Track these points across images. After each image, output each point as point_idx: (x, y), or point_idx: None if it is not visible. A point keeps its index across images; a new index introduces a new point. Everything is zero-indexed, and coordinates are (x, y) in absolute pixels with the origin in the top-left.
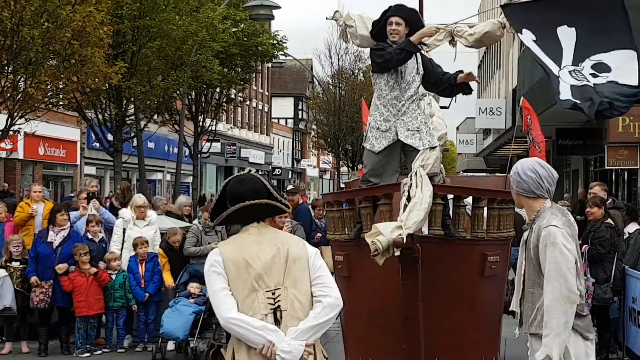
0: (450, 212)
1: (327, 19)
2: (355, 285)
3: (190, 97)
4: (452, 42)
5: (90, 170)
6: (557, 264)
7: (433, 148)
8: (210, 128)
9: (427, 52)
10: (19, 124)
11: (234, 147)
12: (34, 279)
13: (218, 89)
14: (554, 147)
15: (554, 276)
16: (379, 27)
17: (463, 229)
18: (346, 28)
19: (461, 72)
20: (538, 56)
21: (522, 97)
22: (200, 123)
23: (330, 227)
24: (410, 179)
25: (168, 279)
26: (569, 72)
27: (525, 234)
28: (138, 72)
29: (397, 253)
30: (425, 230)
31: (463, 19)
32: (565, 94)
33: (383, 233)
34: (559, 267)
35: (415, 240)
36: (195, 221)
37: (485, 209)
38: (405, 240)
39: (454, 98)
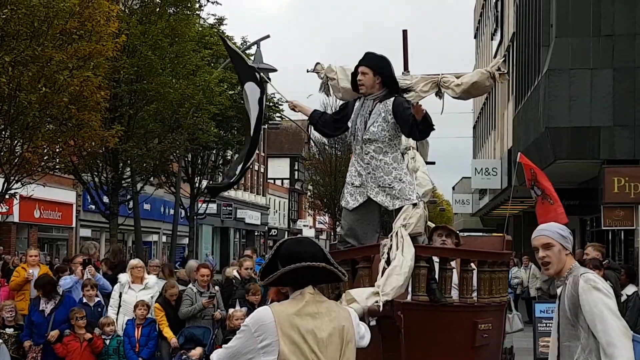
0: (437, 276)
1: (307, 71)
2: None
3: (186, 159)
4: (439, 94)
5: (86, 232)
6: (605, 304)
7: (416, 205)
8: (206, 189)
9: (407, 96)
10: (15, 188)
11: (230, 208)
12: (27, 343)
13: (214, 151)
14: None
15: (607, 315)
16: (353, 76)
17: (465, 292)
18: (327, 81)
19: None
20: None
21: (519, 152)
22: (197, 185)
23: None
24: (391, 240)
25: (169, 335)
26: None
27: (559, 290)
28: (135, 135)
29: (373, 323)
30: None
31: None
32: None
33: (357, 300)
34: (609, 307)
35: (396, 308)
36: (190, 284)
37: (475, 272)
38: (381, 309)
39: (422, 139)
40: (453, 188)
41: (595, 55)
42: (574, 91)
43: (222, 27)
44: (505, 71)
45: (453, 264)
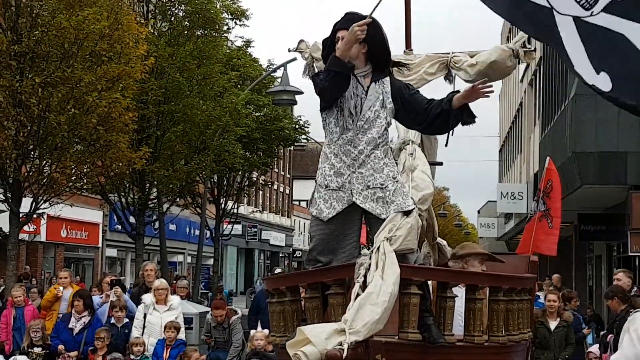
0: (433, 307)
1: (289, 50)
2: None
3: (212, 180)
4: (449, 77)
5: (112, 252)
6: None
7: (407, 213)
8: (232, 211)
9: (407, 77)
10: (43, 208)
11: (255, 229)
12: (60, 347)
13: (240, 172)
14: (576, 232)
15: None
16: (329, 46)
17: (482, 328)
18: (313, 62)
19: (458, 92)
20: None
21: (547, 158)
22: (222, 206)
23: (271, 326)
24: (370, 258)
25: None
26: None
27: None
28: (162, 156)
29: None
30: None
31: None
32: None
33: (313, 341)
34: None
35: (373, 350)
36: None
37: (486, 301)
38: (345, 354)
39: (451, 132)
40: (478, 212)
41: None
42: (601, 116)
43: (249, 49)
44: (532, 48)
45: (458, 290)
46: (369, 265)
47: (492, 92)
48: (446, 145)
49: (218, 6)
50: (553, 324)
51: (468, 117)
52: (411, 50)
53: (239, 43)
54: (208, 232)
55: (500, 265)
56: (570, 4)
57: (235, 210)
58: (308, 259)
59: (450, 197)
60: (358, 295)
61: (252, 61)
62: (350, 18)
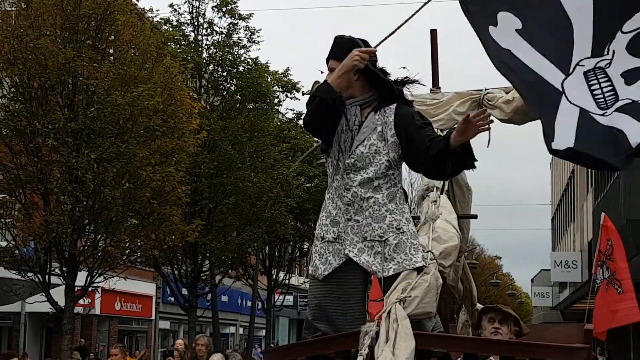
0: None
1: (303, 94)
2: None
3: (264, 251)
4: None
5: (165, 324)
6: None
7: (422, 270)
8: (283, 281)
9: (434, 117)
10: (98, 281)
11: (307, 300)
12: None
13: (291, 244)
14: None
15: None
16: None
17: None
18: None
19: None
20: (520, 58)
21: (602, 214)
22: (274, 277)
23: None
24: (377, 325)
25: None
26: (586, 73)
27: None
28: (214, 229)
29: None
30: None
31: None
32: (566, 135)
33: None
34: None
35: None
36: None
37: None
38: None
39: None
40: (532, 280)
41: None
42: None
43: (299, 121)
44: None
45: None
46: (376, 333)
47: (490, 122)
48: (487, 146)
49: (269, 80)
50: None
51: (466, 158)
52: (439, 88)
53: (289, 115)
54: (260, 303)
55: (551, 335)
56: (585, 98)
57: (286, 281)
58: (306, 326)
59: (503, 266)
60: None
61: (302, 133)
62: (339, 43)
